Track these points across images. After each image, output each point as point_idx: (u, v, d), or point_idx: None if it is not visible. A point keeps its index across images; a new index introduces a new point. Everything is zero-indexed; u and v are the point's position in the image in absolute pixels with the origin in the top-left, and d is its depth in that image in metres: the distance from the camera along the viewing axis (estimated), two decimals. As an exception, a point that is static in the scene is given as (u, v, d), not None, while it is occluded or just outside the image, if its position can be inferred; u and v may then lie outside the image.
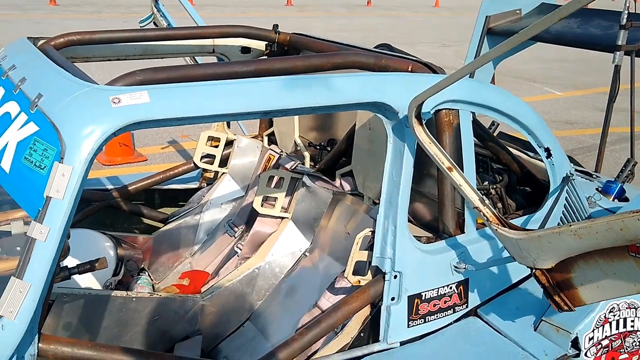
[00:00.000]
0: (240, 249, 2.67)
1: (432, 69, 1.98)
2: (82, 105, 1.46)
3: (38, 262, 1.40)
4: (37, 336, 1.47)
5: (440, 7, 23.21)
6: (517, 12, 3.92)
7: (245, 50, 2.79)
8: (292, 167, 2.59)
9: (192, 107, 1.54)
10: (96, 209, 2.88)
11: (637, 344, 1.92)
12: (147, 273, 2.86)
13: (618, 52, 2.99)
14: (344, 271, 2.10)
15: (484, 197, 1.75)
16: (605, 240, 1.41)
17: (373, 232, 1.90)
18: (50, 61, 1.70)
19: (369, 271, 1.92)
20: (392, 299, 1.84)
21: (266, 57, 2.82)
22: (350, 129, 2.38)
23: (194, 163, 3.01)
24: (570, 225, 1.45)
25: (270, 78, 1.66)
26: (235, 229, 2.81)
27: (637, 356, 1.93)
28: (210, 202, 3.00)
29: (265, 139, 2.96)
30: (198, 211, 2.99)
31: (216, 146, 3.00)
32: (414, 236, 1.87)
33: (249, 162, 2.97)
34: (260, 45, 2.78)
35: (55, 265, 1.43)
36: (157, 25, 3.49)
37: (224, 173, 3.03)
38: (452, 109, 1.89)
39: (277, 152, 2.79)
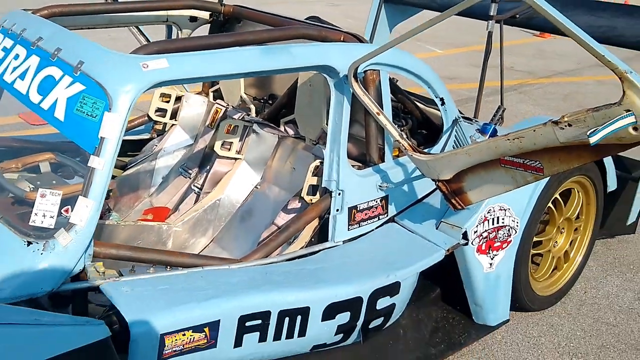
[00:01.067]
0: (197, 188, 3.23)
1: (358, 39, 2.64)
2: (121, 69, 1.98)
3: (97, 185, 1.93)
4: (92, 240, 1.99)
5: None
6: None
7: (193, 19, 3.30)
8: (240, 117, 3.17)
9: (196, 70, 2.10)
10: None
11: (506, 235, 2.72)
12: (112, 212, 3.35)
13: (490, 21, 3.75)
14: (295, 195, 2.75)
15: (402, 132, 2.45)
16: (485, 155, 2.14)
17: (321, 163, 2.55)
18: (77, 34, 2.17)
19: (318, 192, 2.57)
20: (337, 210, 2.50)
21: (209, 24, 3.35)
22: (291, 85, 2.99)
23: (148, 116, 3.49)
24: (463, 147, 2.17)
25: (250, 47, 2.24)
26: (190, 171, 3.35)
27: (506, 244, 2.74)
28: (164, 150, 3.50)
29: (211, 94, 3.49)
30: (153, 158, 3.49)
31: (167, 101, 3.50)
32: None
33: (197, 114, 3.49)
34: (206, 15, 3.30)
35: (106, 188, 1.96)
36: None
37: (173, 124, 3.54)
38: (375, 70, 2.55)
39: (223, 106, 3.35)
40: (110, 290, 1.90)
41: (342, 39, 2.61)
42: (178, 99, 3.53)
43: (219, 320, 1.98)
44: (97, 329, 1.61)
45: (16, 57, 2.24)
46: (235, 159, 3.08)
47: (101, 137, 1.93)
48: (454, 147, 2.95)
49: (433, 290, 2.90)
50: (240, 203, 3.04)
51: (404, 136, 2.43)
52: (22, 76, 2.16)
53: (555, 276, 3.19)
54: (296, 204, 2.74)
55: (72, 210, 1.91)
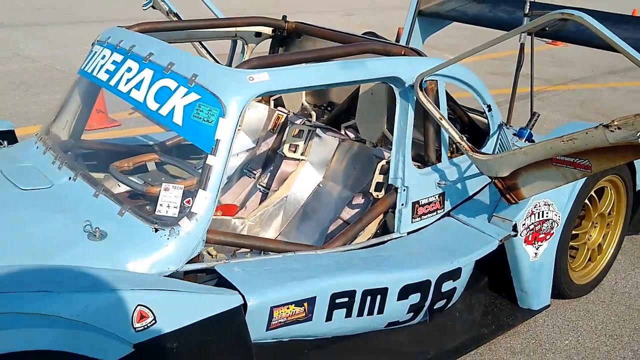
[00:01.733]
0: (262, 186, 3.57)
1: (418, 52, 2.97)
2: (231, 81, 2.32)
3: (213, 180, 2.26)
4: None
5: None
6: (441, -4, 4.95)
7: (258, 34, 3.63)
8: (302, 123, 3.50)
9: (291, 82, 2.43)
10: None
11: (549, 227, 3.04)
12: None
13: (523, 34, 4.07)
14: (359, 192, 3.07)
15: (462, 135, 2.77)
16: (541, 155, 2.46)
17: (387, 163, 2.87)
18: (183, 50, 2.51)
19: (383, 188, 2.90)
20: (402, 204, 2.83)
21: (271, 39, 3.69)
22: (352, 93, 3.32)
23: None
24: (521, 148, 2.50)
25: (332, 62, 2.57)
26: (254, 172, 3.68)
27: (549, 236, 3.05)
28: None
29: (272, 102, 3.82)
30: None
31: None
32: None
33: (258, 120, 3.82)
34: (269, 30, 3.64)
35: (221, 182, 2.29)
36: (155, 8, 4.23)
37: (237, 129, 3.86)
38: (434, 80, 2.88)
39: (285, 112, 3.68)
40: (225, 270, 2.22)
41: (403, 53, 2.95)
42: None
43: (315, 297, 2.31)
44: (233, 298, 1.93)
45: (129, 69, 2.57)
46: (300, 160, 3.41)
47: (217, 139, 2.26)
48: (499, 149, 3.28)
49: (482, 279, 3.22)
50: (305, 200, 3.37)
51: (464, 138, 2.76)
52: (137, 87, 2.49)
53: (590, 267, 3.51)
54: (360, 200, 3.07)
55: (193, 202, 2.24)
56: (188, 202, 2.28)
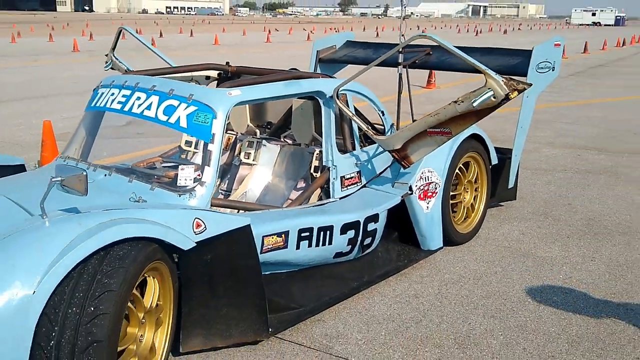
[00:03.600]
0: (224, 191, 4.71)
1: (330, 77, 4.30)
2: (217, 96, 3.52)
3: (213, 160, 3.41)
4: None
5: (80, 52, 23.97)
6: (334, 47, 6.40)
7: (207, 77, 4.85)
8: (251, 137, 4.71)
9: (255, 95, 3.66)
10: None
11: (434, 188, 4.38)
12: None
13: (400, 67, 5.52)
14: (301, 178, 4.30)
15: (369, 126, 4.09)
16: (420, 129, 3.81)
17: (320, 152, 4.13)
18: (176, 80, 3.68)
19: (319, 171, 4.14)
20: (334, 178, 4.07)
21: (217, 80, 4.91)
22: (286, 111, 4.58)
23: (180, 147, 4.95)
24: (407, 126, 3.84)
25: (278, 82, 3.84)
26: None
27: (435, 194, 4.39)
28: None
29: (222, 128, 4.99)
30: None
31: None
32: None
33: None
34: (215, 73, 4.86)
35: (218, 161, 3.43)
36: (114, 69, 5.38)
37: (195, 152, 5.01)
38: (344, 93, 4.20)
39: (234, 133, 4.87)
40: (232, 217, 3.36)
41: (321, 77, 4.27)
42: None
43: (288, 231, 3.48)
44: (246, 219, 3.06)
45: (138, 98, 3.70)
46: (252, 164, 4.60)
47: (213, 133, 3.43)
48: (394, 142, 4.62)
49: (393, 233, 4.50)
50: (260, 193, 4.54)
51: (370, 129, 4.08)
52: (148, 107, 3.62)
53: (468, 221, 4.88)
54: (302, 184, 4.29)
55: (202, 174, 3.38)
56: (199, 175, 3.41)
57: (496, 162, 5.06)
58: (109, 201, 3.27)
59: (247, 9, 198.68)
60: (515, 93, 3.43)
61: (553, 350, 3.32)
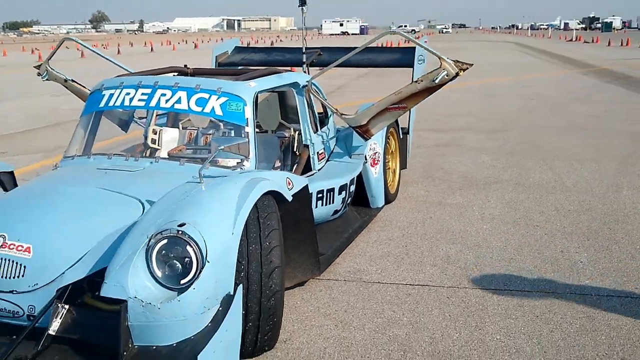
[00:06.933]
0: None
1: (303, 71, 5.18)
2: (243, 87, 4.22)
3: (252, 137, 4.11)
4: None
5: None
6: (227, 52, 7.20)
7: (168, 80, 5.37)
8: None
9: (262, 86, 4.42)
10: None
11: (378, 156, 5.47)
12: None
13: (303, 66, 6.51)
14: (277, 158, 5.11)
15: (336, 109, 5.05)
16: (383, 105, 4.87)
17: (298, 134, 4.97)
18: (197, 77, 4.29)
19: (299, 148, 4.98)
20: (313, 153, 4.95)
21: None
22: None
23: (145, 143, 5.37)
24: (374, 104, 4.88)
25: (272, 75, 4.63)
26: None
27: (379, 161, 5.48)
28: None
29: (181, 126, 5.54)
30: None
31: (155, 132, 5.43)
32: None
33: (172, 139, 5.50)
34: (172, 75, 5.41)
35: (255, 141, 4.13)
36: (48, 79, 5.64)
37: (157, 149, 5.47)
38: (310, 84, 5.11)
39: (195, 128, 5.46)
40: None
41: (291, 69, 5.13)
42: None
43: (311, 193, 4.31)
44: (305, 180, 3.85)
45: (163, 94, 4.21)
46: (226, 152, 5.25)
47: (246, 117, 4.13)
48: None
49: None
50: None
51: (339, 110, 5.05)
52: (178, 102, 4.16)
53: (393, 184, 6.07)
54: (278, 164, 5.10)
55: (248, 152, 4.06)
56: (243, 153, 4.08)
57: (402, 136, 6.33)
58: (174, 182, 3.80)
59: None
60: (462, 72, 4.67)
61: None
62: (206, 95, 4.18)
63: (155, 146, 4.78)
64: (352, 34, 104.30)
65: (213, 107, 4.15)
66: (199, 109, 4.16)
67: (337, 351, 3.27)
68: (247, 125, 4.13)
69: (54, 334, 2.86)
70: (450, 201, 6.01)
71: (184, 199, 3.05)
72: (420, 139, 9.11)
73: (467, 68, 4.66)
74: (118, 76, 4.60)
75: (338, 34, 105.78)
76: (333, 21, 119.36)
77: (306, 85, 4.97)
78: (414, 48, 6.23)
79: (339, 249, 4.54)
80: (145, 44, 53.60)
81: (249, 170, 3.91)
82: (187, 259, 2.73)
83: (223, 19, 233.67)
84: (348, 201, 5.03)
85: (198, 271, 2.70)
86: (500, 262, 4.44)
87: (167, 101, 4.21)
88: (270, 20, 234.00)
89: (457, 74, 4.61)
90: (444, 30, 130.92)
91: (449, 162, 7.68)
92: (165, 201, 3.12)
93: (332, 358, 3.21)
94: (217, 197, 3.03)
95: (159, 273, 2.74)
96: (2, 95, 16.02)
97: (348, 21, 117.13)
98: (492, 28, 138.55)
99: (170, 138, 4.94)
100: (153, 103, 4.22)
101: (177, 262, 2.74)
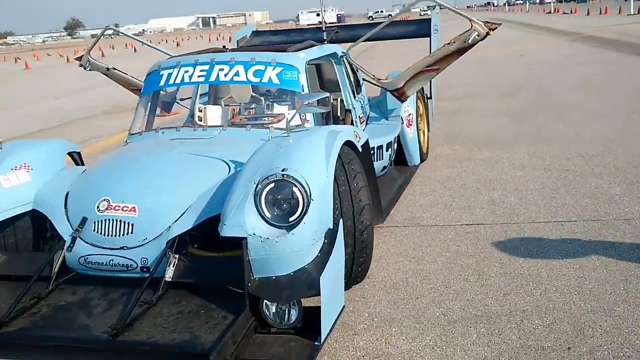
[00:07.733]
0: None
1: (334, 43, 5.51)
2: (293, 57, 4.54)
3: (311, 99, 4.44)
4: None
5: None
6: (246, 37, 7.52)
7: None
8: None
9: (310, 57, 4.74)
10: None
11: (413, 117, 5.82)
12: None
13: (325, 42, 6.83)
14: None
15: (373, 75, 5.38)
16: (419, 68, 5.20)
17: (340, 100, 5.30)
18: (252, 52, 4.60)
19: (343, 114, 5.31)
20: (356, 117, 5.28)
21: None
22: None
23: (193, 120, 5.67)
24: (409, 68, 5.21)
25: (315, 46, 4.95)
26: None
27: (412, 122, 5.83)
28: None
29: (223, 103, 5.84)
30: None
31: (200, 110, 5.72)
32: (351, 97, 5.37)
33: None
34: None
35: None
36: (91, 69, 5.94)
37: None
38: (346, 54, 5.43)
39: (237, 104, 5.77)
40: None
41: (326, 42, 5.45)
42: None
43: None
44: (366, 134, 4.18)
45: (221, 69, 4.52)
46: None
47: (302, 84, 4.44)
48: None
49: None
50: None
51: (374, 75, 5.38)
52: (236, 74, 4.47)
53: (424, 144, 6.42)
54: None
55: (305, 115, 4.38)
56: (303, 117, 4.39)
57: (427, 100, 6.68)
58: (246, 145, 4.10)
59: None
60: (492, 31, 5.01)
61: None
62: (262, 67, 4.49)
63: (202, 123, 5.08)
64: (330, 23, 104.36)
65: (270, 77, 4.46)
66: (257, 80, 4.47)
67: (418, 280, 3.63)
68: (303, 90, 4.44)
69: (170, 280, 3.17)
70: (479, 156, 6.37)
71: (278, 150, 3.37)
72: (433, 108, 9.47)
73: (496, 27, 5.00)
74: (172, 57, 4.89)
75: (315, 24, 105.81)
76: (309, 12, 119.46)
77: (343, 55, 5.29)
78: (429, 20, 6.61)
79: (393, 199, 4.88)
80: (126, 46, 53.49)
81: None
82: (293, 199, 3.06)
83: (198, 17, 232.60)
84: (393, 158, 5.37)
85: (306, 207, 3.02)
86: (543, 200, 4.81)
87: (226, 75, 4.52)
88: (245, 15, 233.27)
89: (487, 34, 4.95)
90: (423, 12, 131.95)
91: (467, 126, 8.04)
92: (260, 154, 3.44)
93: (416, 285, 3.56)
94: (308, 146, 3.36)
95: (268, 214, 3.06)
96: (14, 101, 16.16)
97: (325, 10, 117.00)
98: (468, 7, 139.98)
99: (214, 115, 5.24)
100: (212, 78, 4.53)
101: (284, 203, 3.07)
